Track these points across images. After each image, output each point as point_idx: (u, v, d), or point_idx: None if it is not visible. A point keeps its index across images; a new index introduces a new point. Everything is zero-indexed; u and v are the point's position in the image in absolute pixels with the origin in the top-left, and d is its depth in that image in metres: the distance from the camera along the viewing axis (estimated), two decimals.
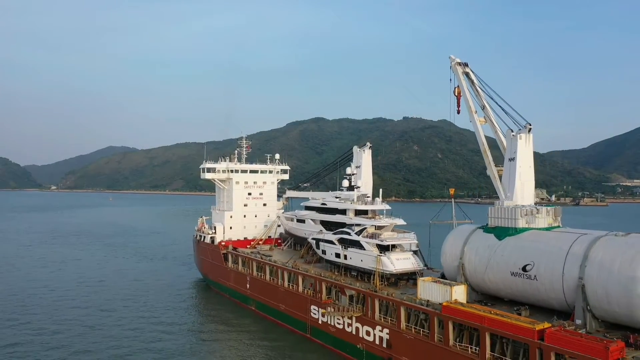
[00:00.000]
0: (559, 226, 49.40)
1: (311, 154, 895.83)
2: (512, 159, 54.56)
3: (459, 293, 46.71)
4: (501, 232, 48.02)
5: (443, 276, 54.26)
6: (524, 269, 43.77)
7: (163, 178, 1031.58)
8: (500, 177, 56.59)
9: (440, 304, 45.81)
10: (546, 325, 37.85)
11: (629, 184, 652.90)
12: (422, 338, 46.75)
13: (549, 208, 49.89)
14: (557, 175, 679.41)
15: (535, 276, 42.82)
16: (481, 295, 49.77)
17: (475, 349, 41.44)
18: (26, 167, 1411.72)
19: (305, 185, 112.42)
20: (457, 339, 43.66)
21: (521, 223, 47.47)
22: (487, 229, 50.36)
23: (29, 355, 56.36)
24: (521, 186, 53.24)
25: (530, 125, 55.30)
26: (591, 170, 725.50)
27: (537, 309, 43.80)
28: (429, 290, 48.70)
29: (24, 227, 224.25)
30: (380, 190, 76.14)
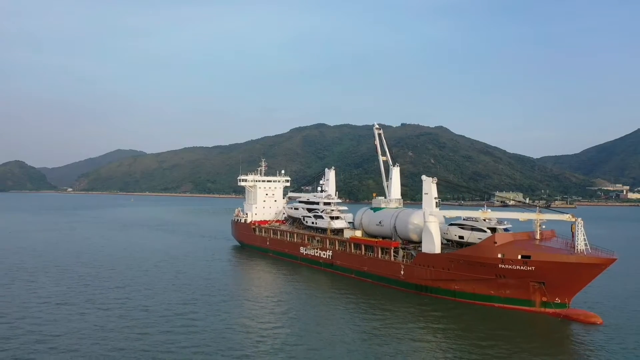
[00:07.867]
0: (402, 207, 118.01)
1: (313, 159, 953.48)
2: (390, 178, 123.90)
3: (358, 233, 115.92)
4: (375, 209, 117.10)
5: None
6: (379, 223, 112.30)
7: (173, 181, 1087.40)
8: (387, 186, 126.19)
9: (350, 237, 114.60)
10: (379, 240, 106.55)
11: (610, 189, 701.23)
12: (343, 251, 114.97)
13: (397, 199, 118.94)
14: (544, 179, 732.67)
15: (383, 225, 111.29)
16: (368, 235, 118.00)
17: (360, 252, 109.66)
18: (39, 169, 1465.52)
19: (306, 188, 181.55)
20: (355, 250, 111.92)
21: (382, 205, 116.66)
22: (370, 207, 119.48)
23: (157, 272, 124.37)
24: (394, 191, 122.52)
25: (398, 164, 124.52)
26: (577, 175, 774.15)
27: (384, 239, 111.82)
28: (347, 233, 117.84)
29: (89, 220, 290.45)
30: (337, 192, 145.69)
